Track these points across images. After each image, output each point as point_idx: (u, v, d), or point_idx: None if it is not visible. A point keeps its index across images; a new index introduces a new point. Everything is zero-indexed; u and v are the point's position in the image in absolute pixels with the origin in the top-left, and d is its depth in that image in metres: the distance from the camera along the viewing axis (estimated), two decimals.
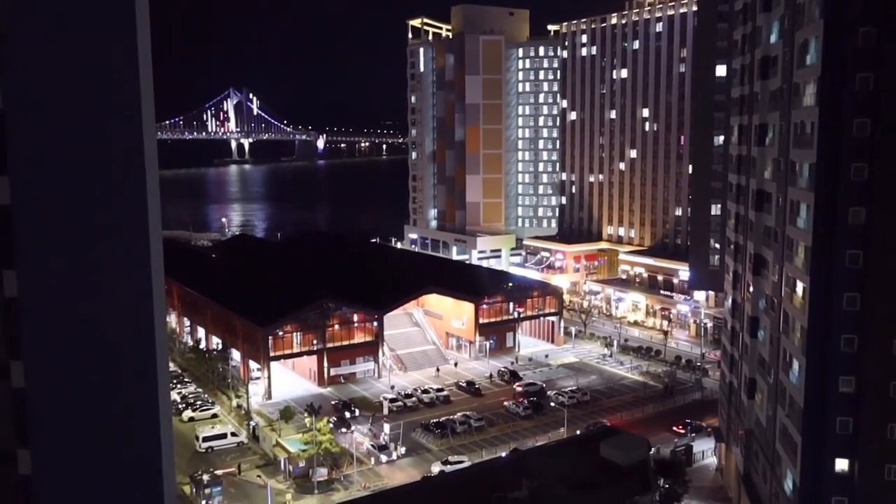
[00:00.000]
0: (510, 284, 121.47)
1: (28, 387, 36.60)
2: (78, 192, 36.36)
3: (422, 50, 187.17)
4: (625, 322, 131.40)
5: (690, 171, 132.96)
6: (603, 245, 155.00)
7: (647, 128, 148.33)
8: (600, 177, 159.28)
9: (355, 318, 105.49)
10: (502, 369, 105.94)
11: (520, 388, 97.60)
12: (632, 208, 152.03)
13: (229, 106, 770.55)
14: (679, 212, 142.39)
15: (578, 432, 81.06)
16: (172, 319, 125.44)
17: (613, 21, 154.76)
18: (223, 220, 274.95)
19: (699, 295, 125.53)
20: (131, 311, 37.20)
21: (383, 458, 77.83)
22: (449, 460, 75.66)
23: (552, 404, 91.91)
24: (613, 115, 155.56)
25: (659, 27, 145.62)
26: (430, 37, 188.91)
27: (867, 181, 48.46)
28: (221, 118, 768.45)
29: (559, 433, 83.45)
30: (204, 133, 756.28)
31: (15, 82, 35.17)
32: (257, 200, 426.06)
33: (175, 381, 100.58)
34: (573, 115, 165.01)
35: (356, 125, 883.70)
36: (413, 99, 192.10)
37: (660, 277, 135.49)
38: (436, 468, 74.60)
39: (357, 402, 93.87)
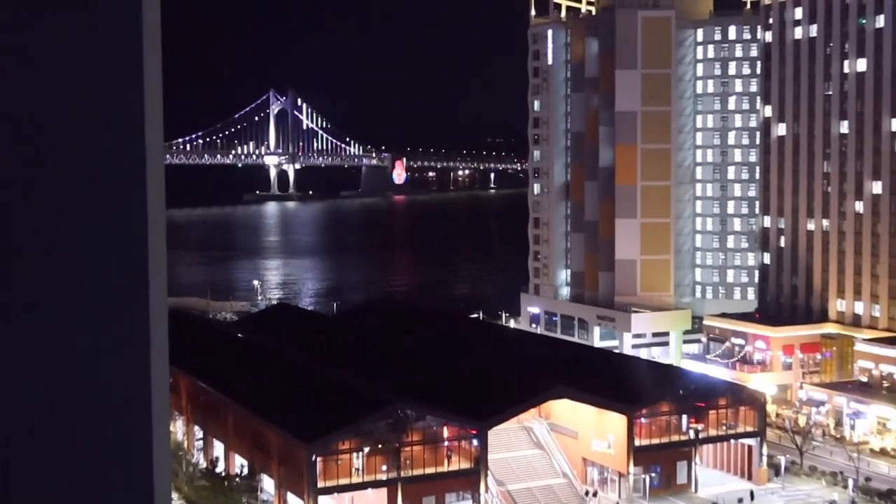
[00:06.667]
0: (683, 387, 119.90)
1: None
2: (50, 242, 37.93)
3: (550, 32, 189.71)
4: (866, 450, 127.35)
5: None
6: (829, 328, 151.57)
7: None
8: (824, 223, 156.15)
9: (445, 432, 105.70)
10: None
11: None
12: (875, 272, 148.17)
13: (269, 117, 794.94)
14: None
15: None
16: (179, 428, 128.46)
17: None
18: (255, 282, 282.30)
19: None
20: (119, 414, 38.23)
21: None
22: None
23: None
24: (844, 128, 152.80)
25: None
26: (564, 13, 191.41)
27: None
28: (257, 135, 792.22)
29: None
30: (231, 156, 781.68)
31: None
32: (305, 254, 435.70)
33: None
34: (782, 129, 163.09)
35: (449, 145, 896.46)
36: (536, 105, 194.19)
37: None
38: None
39: None
